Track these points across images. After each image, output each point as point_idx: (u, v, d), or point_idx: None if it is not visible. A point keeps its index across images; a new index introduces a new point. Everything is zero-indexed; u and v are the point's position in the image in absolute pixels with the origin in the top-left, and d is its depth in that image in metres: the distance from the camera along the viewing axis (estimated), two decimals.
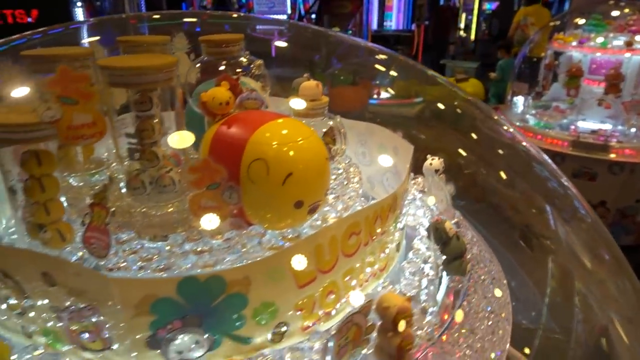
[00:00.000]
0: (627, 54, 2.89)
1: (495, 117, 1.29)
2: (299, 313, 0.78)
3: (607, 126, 3.06)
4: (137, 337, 0.69)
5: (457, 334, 0.83)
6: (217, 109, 0.92)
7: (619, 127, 3.00)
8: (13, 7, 3.11)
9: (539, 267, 1.14)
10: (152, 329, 0.69)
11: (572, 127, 3.11)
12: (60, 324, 0.72)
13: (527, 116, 3.43)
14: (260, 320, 0.74)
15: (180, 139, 0.88)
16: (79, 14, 3.35)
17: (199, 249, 0.84)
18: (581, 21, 3.26)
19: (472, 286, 0.94)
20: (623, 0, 3.29)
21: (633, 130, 2.95)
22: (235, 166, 0.84)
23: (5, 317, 0.77)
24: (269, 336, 0.76)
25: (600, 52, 3.05)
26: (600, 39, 3.05)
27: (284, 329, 0.77)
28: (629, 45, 2.95)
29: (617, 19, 3.15)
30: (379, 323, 0.74)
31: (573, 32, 3.26)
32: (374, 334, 0.76)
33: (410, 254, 1.00)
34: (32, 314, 0.74)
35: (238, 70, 1.14)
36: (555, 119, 3.24)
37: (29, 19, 3.13)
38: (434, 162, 1.18)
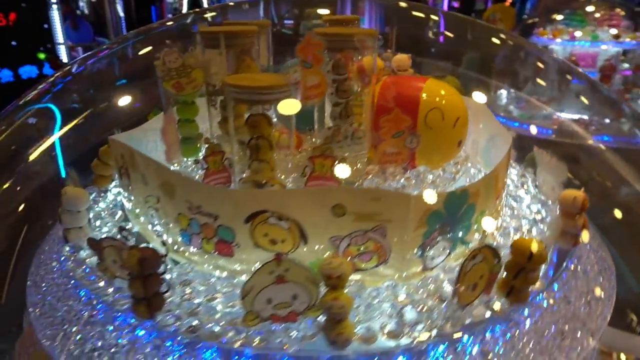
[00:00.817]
0: (604, 46, 3.41)
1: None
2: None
3: (585, 116, 3.43)
4: (411, 247, 0.85)
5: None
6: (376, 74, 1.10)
7: (595, 117, 3.37)
8: None
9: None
10: (423, 239, 0.86)
11: (554, 116, 3.35)
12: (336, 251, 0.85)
13: (511, 107, 3.73)
14: (477, 226, 0.95)
15: (288, 106, 1.01)
16: (55, 16, 3.09)
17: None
18: (559, 17, 3.75)
19: None
20: None
21: (607, 120, 3.28)
22: (411, 117, 1.04)
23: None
24: (477, 239, 0.98)
25: (590, 44, 3.49)
26: (578, 33, 3.54)
27: (485, 234, 0.99)
28: (616, 37, 3.41)
29: (590, 15, 3.66)
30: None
31: (557, 27, 3.71)
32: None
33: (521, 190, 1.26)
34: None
35: None
36: (537, 109, 3.46)
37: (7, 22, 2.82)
38: None
